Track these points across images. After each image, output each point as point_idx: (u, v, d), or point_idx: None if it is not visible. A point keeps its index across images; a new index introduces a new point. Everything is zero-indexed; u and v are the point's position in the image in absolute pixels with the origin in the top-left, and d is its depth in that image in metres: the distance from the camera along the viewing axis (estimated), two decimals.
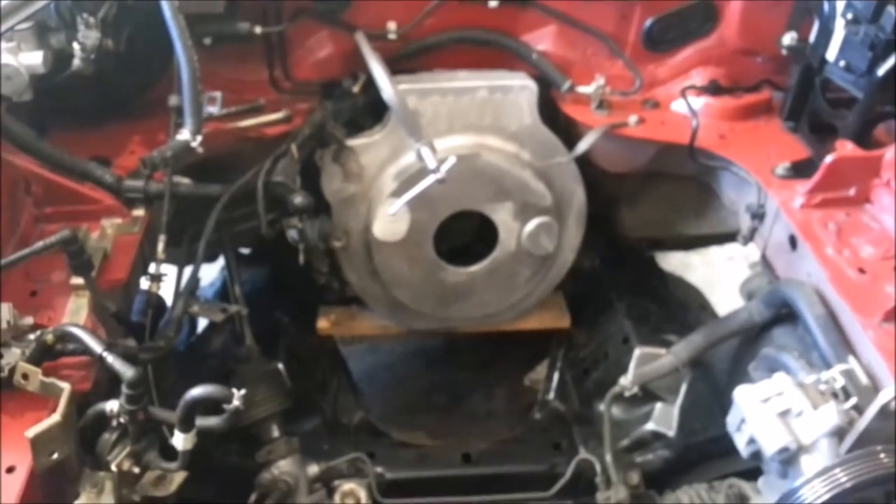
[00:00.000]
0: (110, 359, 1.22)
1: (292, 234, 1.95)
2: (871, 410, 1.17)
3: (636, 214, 2.33)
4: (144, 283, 1.70)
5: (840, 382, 1.40)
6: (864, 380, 1.44)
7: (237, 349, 1.89)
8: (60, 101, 1.71)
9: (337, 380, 2.35)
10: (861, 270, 1.61)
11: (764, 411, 1.28)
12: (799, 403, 1.28)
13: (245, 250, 2.43)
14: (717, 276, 3.39)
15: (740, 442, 1.33)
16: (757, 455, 1.31)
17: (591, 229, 2.27)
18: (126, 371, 1.20)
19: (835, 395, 1.38)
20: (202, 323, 2.22)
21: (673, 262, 3.31)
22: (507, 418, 2.54)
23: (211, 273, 2.52)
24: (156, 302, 1.67)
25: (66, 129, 1.83)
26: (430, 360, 2.85)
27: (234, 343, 1.98)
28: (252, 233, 1.98)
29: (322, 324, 2.35)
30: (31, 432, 1.15)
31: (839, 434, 1.24)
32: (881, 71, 1.69)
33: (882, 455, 1.19)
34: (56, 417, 1.16)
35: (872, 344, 1.47)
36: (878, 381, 1.44)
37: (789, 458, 1.27)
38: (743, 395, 1.32)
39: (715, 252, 3.29)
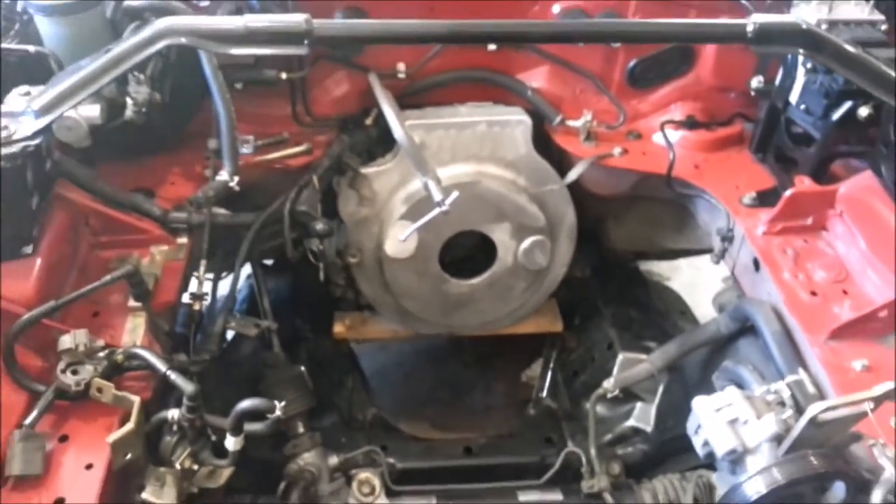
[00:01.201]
0: (173, 376, 1.46)
1: (313, 251, 2.20)
2: (802, 421, 1.40)
3: (622, 231, 2.58)
4: (186, 298, 1.94)
5: (787, 393, 1.64)
6: (811, 390, 1.67)
7: (266, 356, 2.13)
8: (109, 141, 1.93)
9: (352, 379, 2.59)
10: (813, 293, 1.85)
11: (716, 419, 1.51)
12: (745, 413, 1.50)
13: (268, 261, 2.67)
14: (703, 278, 3.61)
15: (697, 444, 1.57)
16: (711, 455, 1.55)
17: (582, 243, 2.50)
18: (187, 387, 1.45)
19: (782, 404, 1.62)
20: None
21: (662, 265, 3.56)
22: (504, 412, 2.79)
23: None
24: (197, 317, 1.92)
25: (111, 163, 2.05)
26: (435, 357, 3.10)
27: (261, 349, 2.23)
28: (276, 249, 2.22)
29: (338, 328, 2.60)
30: (111, 438, 1.39)
31: (778, 439, 1.47)
32: (835, 116, 1.93)
33: (812, 458, 1.41)
34: (131, 425, 1.41)
35: (818, 359, 1.71)
36: (823, 391, 1.68)
37: (736, 459, 1.50)
38: (699, 405, 1.55)
39: (701, 256, 3.52)
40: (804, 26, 1.60)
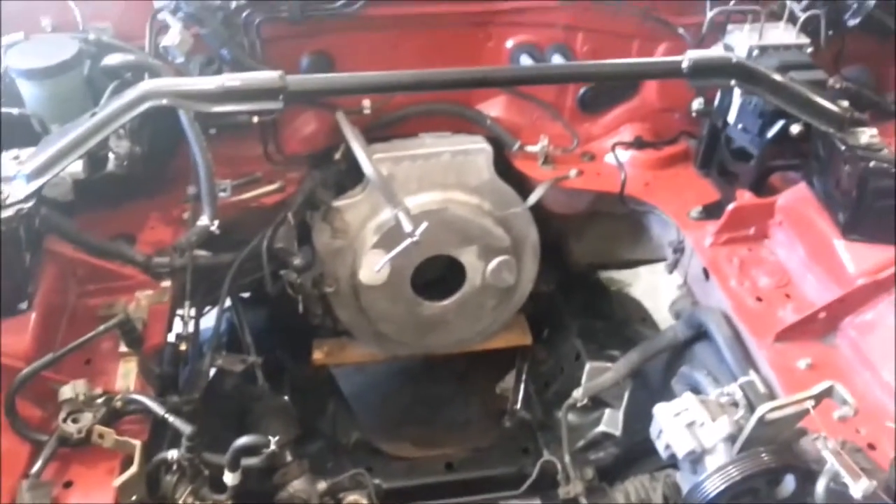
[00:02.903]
0: (171, 419, 1.55)
1: (291, 283, 2.29)
2: (752, 421, 1.54)
3: (582, 245, 2.73)
4: (171, 337, 2.02)
5: (739, 394, 1.78)
6: (762, 389, 1.82)
7: (251, 389, 2.22)
8: (90, 192, 2.00)
9: (333, 403, 2.69)
10: (759, 299, 1.99)
11: (675, 423, 1.64)
12: (701, 416, 1.63)
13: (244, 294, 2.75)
14: (661, 282, 3.78)
15: (660, 446, 1.69)
16: (673, 457, 1.68)
17: (546, 259, 2.64)
18: (185, 428, 1.54)
19: (735, 404, 1.76)
20: None
21: (624, 272, 3.71)
22: (481, 424, 2.90)
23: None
24: (183, 356, 2.00)
25: (91, 210, 2.11)
26: (410, 376, 3.18)
27: (244, 382, 2.31)
28: (254, 282, 2.31)
29: (317, 355, 2.70)
30: (118, 482, 1.48)
31: (732, 439, 1.61)
32: (769, 134, 2.08)
33: (763, 454, 1.55)
34: (135, 468, 1.49)
35: (766, 361, 1.85)
36: (773, 390, 1.82)
37: (696, 459, 1.63)
38: (659, 411, 1.69)
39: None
40: (734, 60, 1.76)
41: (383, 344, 2.67)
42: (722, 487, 1.54)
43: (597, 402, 2.38)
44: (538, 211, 2.50)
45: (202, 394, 1.91)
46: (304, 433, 2.33)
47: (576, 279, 2.90)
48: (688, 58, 1.70)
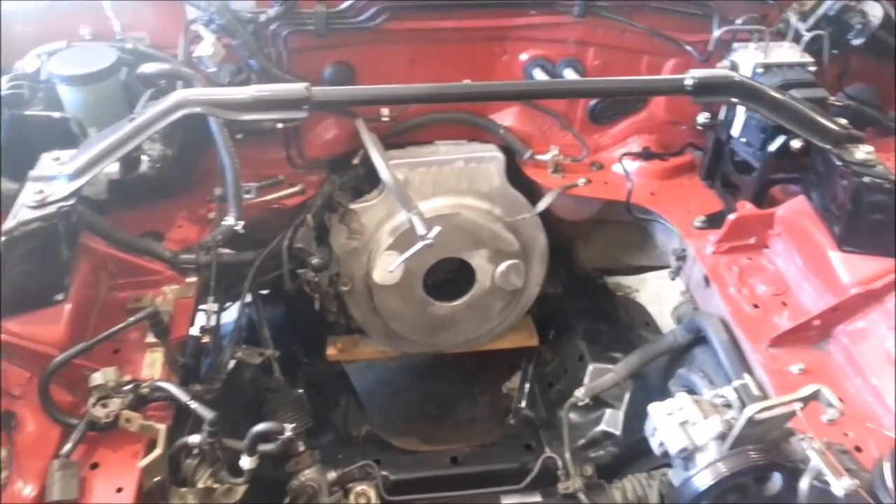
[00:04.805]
0: (194, 405, 1.66)
1: (308, 281, 2.40)
2: (741, 420, 1.63)
3: (589, 251, 2.81)
4: (194, 331, 2.12)
5: (733, 396, 1.86)
6: (755, 392, 1.90)
7: (267, 381, 2.33)
8: (123, 191, 2.12)
9: (345, 398, 2.79)
10: (756, 305, 2.06)
11: (669, 421, 1.72)
12: (694, 415, 1.71)
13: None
14: (667, 287, 3.85)
15: (654, 444, 1.77)
16: (666, 454, 1.76)
17: (554, 263, 2.73)
18: (207, 414, 1.65)
19: (729, 406, 1.84)
20: None
21: (631, 277, 3.80)
22: (487, 423, 2.99)
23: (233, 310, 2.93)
24: (205, 348, 2.11)
25: (122, 209, 2.22)
26: (420, 373, 3.28)
27: (261, 374, 2.42)
28: (273, 280, 2.42)
29: (330, 351, 2.81)
30: (143, 463, 1.58)
31: (722, 437, 1.68)
32: (771, 148, 2.16)
33: (751, 452, 1.63)
34: (159, 450, 1.60)
35: (760, 365, 1.93)
36: (766, 393, 1.89)
37: (688, 456, 1.70)
38: (654, 410, 1.77)
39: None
40: (737, 78, 1.84)
41: (395, 342, 2.77)
42: (711, 482, 1.62)
43: (598, 402, 2.46)
44: (547, 217, 2.59)
45: (223, 384, 2.02)
46: (316, 425, 2.43)
47: (582, 283, 2.99)
48: (691, 76, 1.78)
